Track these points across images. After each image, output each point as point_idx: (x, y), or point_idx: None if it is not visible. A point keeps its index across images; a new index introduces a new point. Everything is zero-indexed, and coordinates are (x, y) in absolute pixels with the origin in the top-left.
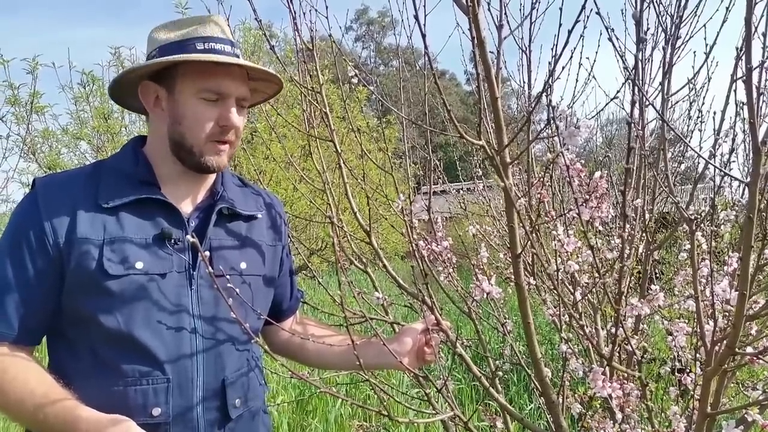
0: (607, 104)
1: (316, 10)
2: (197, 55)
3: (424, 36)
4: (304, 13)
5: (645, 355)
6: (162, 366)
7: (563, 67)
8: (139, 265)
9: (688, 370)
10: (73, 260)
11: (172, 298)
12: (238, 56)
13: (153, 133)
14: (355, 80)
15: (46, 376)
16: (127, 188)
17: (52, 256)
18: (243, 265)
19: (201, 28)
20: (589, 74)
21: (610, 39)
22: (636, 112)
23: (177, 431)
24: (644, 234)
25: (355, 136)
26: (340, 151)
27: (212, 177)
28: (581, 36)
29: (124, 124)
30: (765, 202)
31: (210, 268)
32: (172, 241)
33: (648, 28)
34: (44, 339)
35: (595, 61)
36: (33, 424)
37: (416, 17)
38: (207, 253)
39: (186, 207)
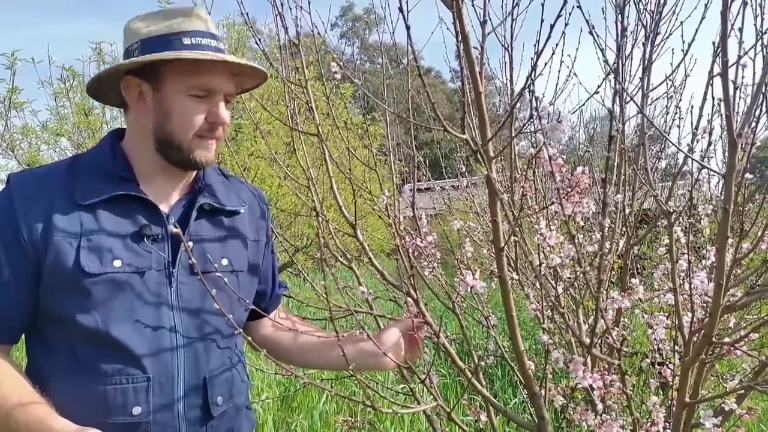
0: (588, 99)
1: (300, 7)
2: (189, 52)
3: (408, 28)
4: (290, 8)
5: (624, 344)
6: (142, 364)
7: (545, 63)
8: (117, 263)
9: (667, 362)
10: (49, 259)
11: (151, 296)
12: (223, 51)
13: (133, 128)
14: (338, 76)
15: (20, 381)
16: (104, 185)
17: (28, 254)
18: (224, 261)
19: (186, 21)
20: (570, 71)
21: (591, 33)
22: (616, 105)
23: (158, 430)
24: (624, 228)
25: (340, 133)
26: (325, 145)
27: (194, 171)
28: (563, 32)
29: (105, 121)
30: (742, 195)
31: (192, 258)
32: (151, 238)
33: (628, 24)
34: (23, 338)
35: (576, 57)
36: (6, 431)
37: (401, 9)
38: (190, 243)
39: (165, 203)
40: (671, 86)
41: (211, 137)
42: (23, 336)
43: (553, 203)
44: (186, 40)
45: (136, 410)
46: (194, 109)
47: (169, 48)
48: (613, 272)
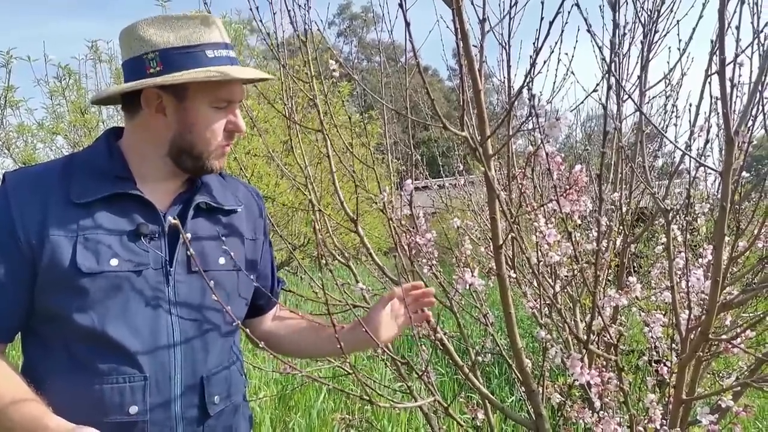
0: (585, 98)
1: (300, 6)
2: (218, 69)
3: (408, 24)
4: (289, 10)
5: (621, 340)
6: (139, 364)
7: (544, 62)
8: (114, 262)
9: (664, 360)
10: (45, 258)
11: (148, 295)
12: (236, 59)
13: (140, 132)
14: (336, 74)
15: (16, 380)
16: (100, 183)
17: (24, 253)
18: (222, 260)
19: (204, 30)
20: (568, 69)
21: (588, 30)
22: (612, 103)
23: (155, 429)
24: (621, 227)
25: (338, 131)
26: (327, 140)
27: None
28: (561, 31)
29: (101, 119)
30: (738, 194)
31: (190, 250)
32: (148, 236)
33: (626, 23)
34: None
35: (573, 56)
36: (1, 429)
37: (401, 5)
38: (188, 235)
39: (162, 202)
40: (668, 84)
41: (228, 144)
42: (18, 334)
43: (551, 201)
44: (209, 53)
45: (133, 409)
46: (216, 120)
47: (194, 62)
48: (610, 270)
